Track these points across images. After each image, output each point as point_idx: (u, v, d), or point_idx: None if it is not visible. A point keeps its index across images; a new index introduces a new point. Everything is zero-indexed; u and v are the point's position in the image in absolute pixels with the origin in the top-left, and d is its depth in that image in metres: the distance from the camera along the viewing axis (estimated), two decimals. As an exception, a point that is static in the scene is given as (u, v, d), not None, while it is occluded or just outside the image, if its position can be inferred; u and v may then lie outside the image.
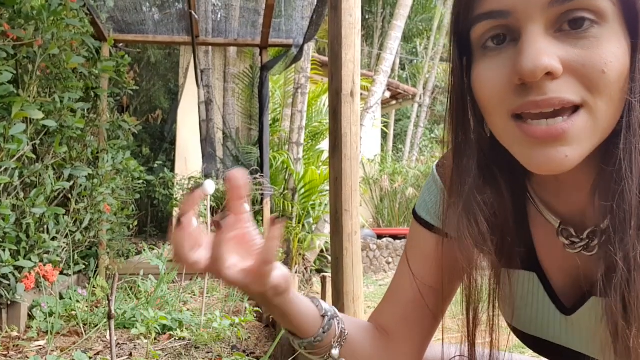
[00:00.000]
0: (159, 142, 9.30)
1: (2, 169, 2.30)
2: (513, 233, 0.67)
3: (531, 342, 0.73)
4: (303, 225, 6.13)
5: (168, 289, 3.52)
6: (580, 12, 0.50)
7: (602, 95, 0.50)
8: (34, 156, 2.87)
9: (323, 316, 0.70)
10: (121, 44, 5.07)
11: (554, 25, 0.51)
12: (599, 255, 0.60)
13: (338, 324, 0.71)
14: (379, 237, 7.78)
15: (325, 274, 2.42)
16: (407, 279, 0.77)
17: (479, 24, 0.54)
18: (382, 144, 12.16)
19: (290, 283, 0.62)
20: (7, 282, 2.63)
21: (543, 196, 0.66)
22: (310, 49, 6.68)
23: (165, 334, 2.70)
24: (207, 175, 5.85)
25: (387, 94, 11.11)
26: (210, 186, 3.06)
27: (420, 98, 13.25)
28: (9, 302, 2.71)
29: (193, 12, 4.44)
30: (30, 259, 2.74)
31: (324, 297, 2.39)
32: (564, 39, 0.51)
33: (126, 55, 4.30)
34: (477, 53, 0.57)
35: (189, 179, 5.81)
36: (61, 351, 2.39)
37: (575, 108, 0.51)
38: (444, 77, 14.78)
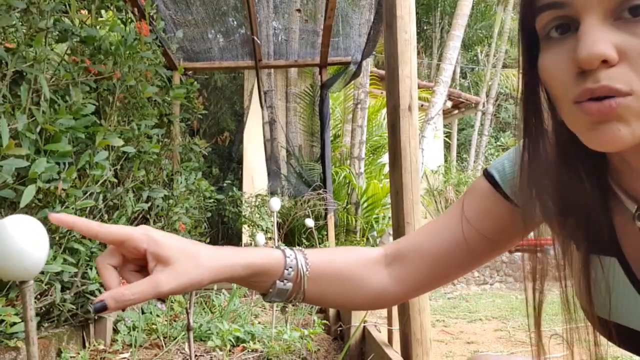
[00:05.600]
0: (227, 162, 9.62)
1: (88, 193, 2.51)
2: (594, 217, 0.66)
3: (614, 331, 0.69)
4: (367, 239, 6.14)
5: (240, 302, 3.65)
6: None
7: None
8: (115, 180, 3.08)
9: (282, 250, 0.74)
10: (190, 72, 5.34)
11: (613, 14, 0.52)
12: None
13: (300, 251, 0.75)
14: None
15: (391, 286, 2.42)
16: (454, 220, 0.78)
17: (541, 15, 0.58)
18: (445, 155, 11.97)
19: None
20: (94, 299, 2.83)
21: (621, 182, 0.66)
22: (368, 64, 6.75)
23: (239, 346, 2.81)
24: (272, 193, 6.01)
25: (449, 104, 10.96)
26: (275, 203, 3.18)
27: (484, 106, 12.95)
28: (96, 317, 2.91)
29: (255, 37, 4.63)
30: (114, 276, 2.93)
31: (390, 309, 2.39)
32: (623, 27, 0.52)
33: (195, 82, 4.53)
34: (543, 43, 0.60)
35: (256, 196, 5.99)
36: (144, 362, 2.54)
37: (626, 94, 0.52)
38: (507, 84, 14.38)
